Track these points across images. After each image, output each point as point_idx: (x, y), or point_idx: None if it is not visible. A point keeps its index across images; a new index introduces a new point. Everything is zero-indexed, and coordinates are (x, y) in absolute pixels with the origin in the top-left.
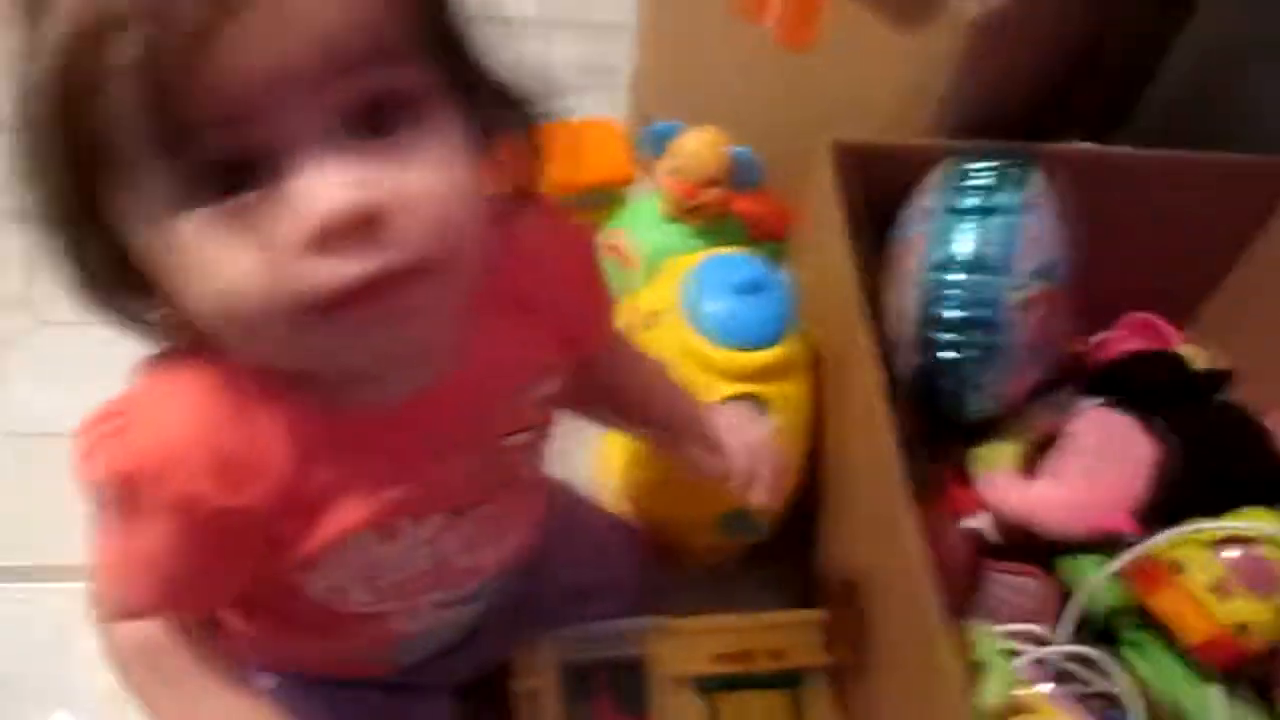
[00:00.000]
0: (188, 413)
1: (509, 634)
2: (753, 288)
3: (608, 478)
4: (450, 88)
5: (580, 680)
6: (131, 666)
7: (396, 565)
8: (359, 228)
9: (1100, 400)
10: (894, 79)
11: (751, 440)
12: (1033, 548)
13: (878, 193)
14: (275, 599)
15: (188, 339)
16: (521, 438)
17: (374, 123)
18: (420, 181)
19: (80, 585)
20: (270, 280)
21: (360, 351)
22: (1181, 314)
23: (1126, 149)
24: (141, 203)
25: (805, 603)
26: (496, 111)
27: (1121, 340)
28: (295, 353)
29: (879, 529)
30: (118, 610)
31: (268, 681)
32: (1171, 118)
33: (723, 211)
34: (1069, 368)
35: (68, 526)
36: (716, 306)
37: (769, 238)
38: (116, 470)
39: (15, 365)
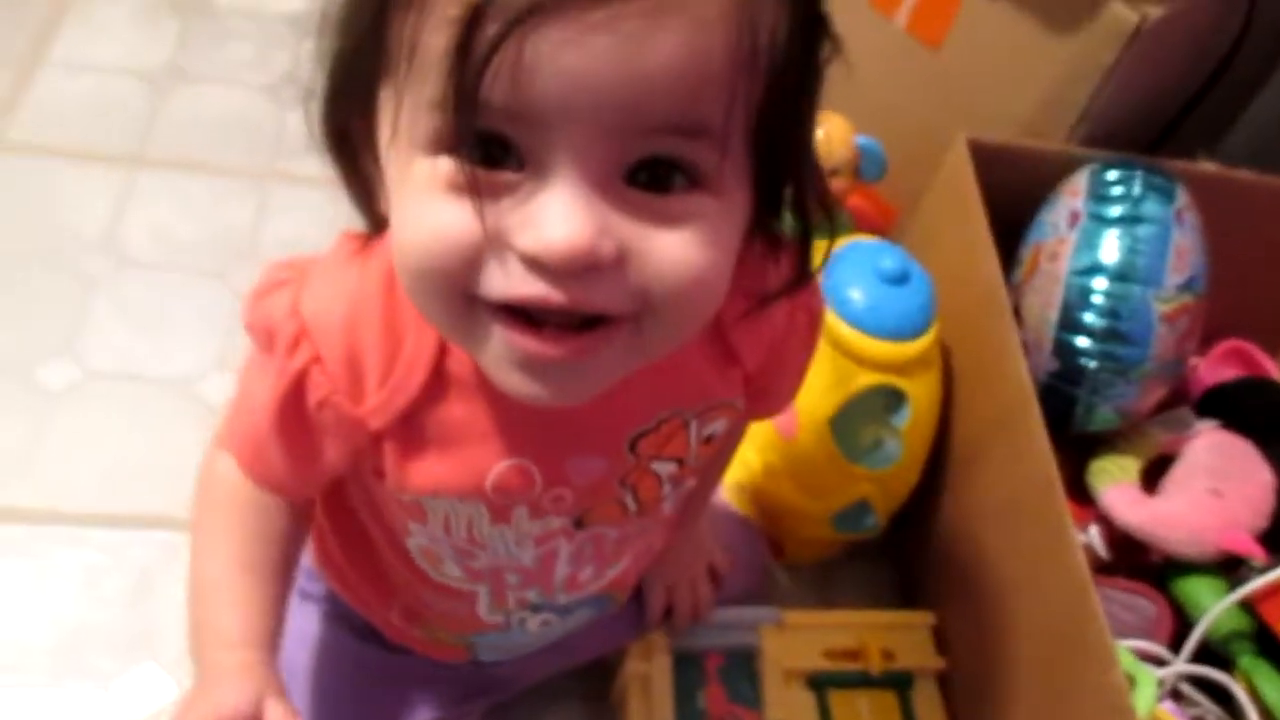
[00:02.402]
0: (352, 299)
1: (602, 640)
2: (900, 278)
3: None
4: (750, 178)
5: (692, 668)
6: (204, 494)
7: (497, 551)
8: (578, 272)
9: (1216, 423)
10: (1032, 83)
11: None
12: (1141, 565)
13: (1006, 195)
14: (378, 536)
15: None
16: (669, 467)
17: (655, 175)
18: (666, 251)
19: (165, 535)
20: (465, 257)
21: (512, 367)
22: (1274, 343)
23: (1247, 172)
24: (401, 120)
25: (903, 601)
26: (786, 216)
27: (1216, 365)
28: (449, 329)
29: (1023, 532)
30: (221, 440)
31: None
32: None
33: (839, 202)
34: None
35: (153, 475)
36: (863, 294)
37: (872, 233)
38: (265, 318)
39: (100, 308)
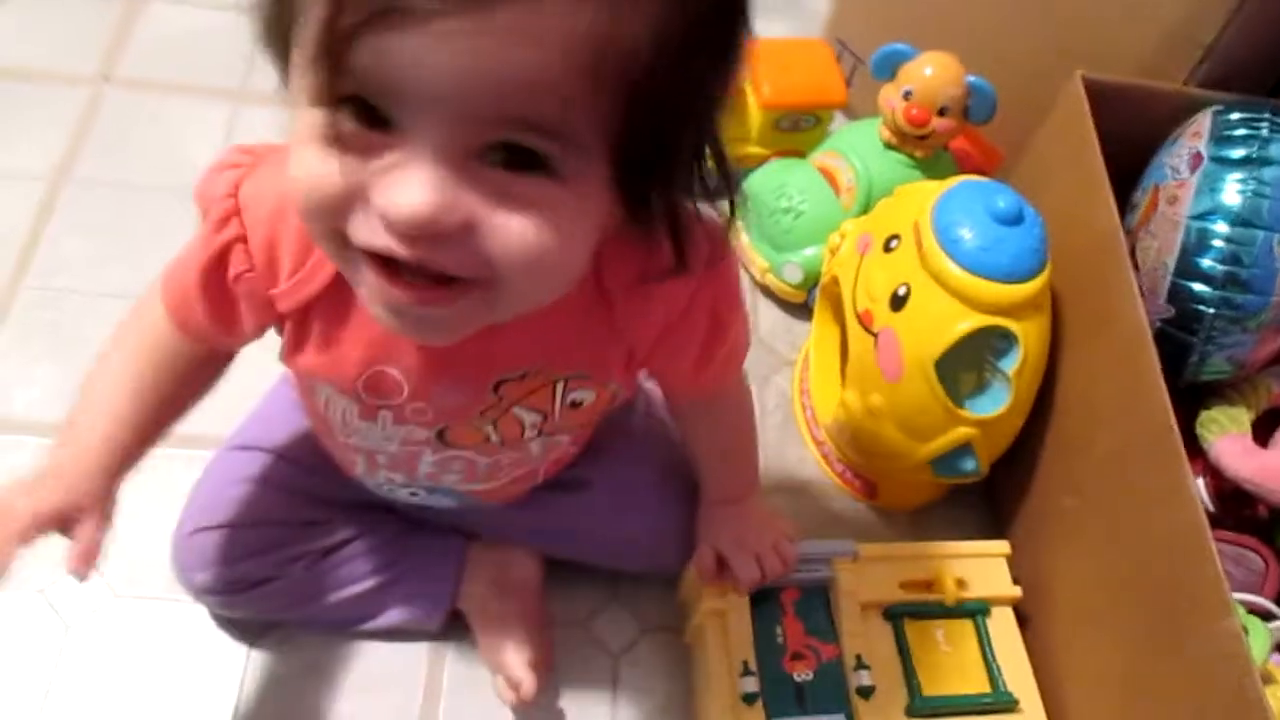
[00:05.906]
0: (286, 192)
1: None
2: (1015, 218)
3: (817, 410)
4: (611, 179)
5: (769, 602)
6: (129, 320)
7: (366, 438)
8: (422, 237)
9: None
10: (1152, 22)
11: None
12: (1248, 518)
13: (1120, 137)
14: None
15: None
16: (533, 416)
17: (510, 158)
18: (508, 230)
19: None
20: (333, 205)
21: (377, 304)
22: None
23: None
24: (293, 69)
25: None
26: (658, 213)
27: None
28: (332, 260)
29: (1134, 478)
30: (159, 286)
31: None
32: None
33: (944, 143)
34: None
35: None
36: (974, 234)
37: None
38: (208, 191)
39: None
